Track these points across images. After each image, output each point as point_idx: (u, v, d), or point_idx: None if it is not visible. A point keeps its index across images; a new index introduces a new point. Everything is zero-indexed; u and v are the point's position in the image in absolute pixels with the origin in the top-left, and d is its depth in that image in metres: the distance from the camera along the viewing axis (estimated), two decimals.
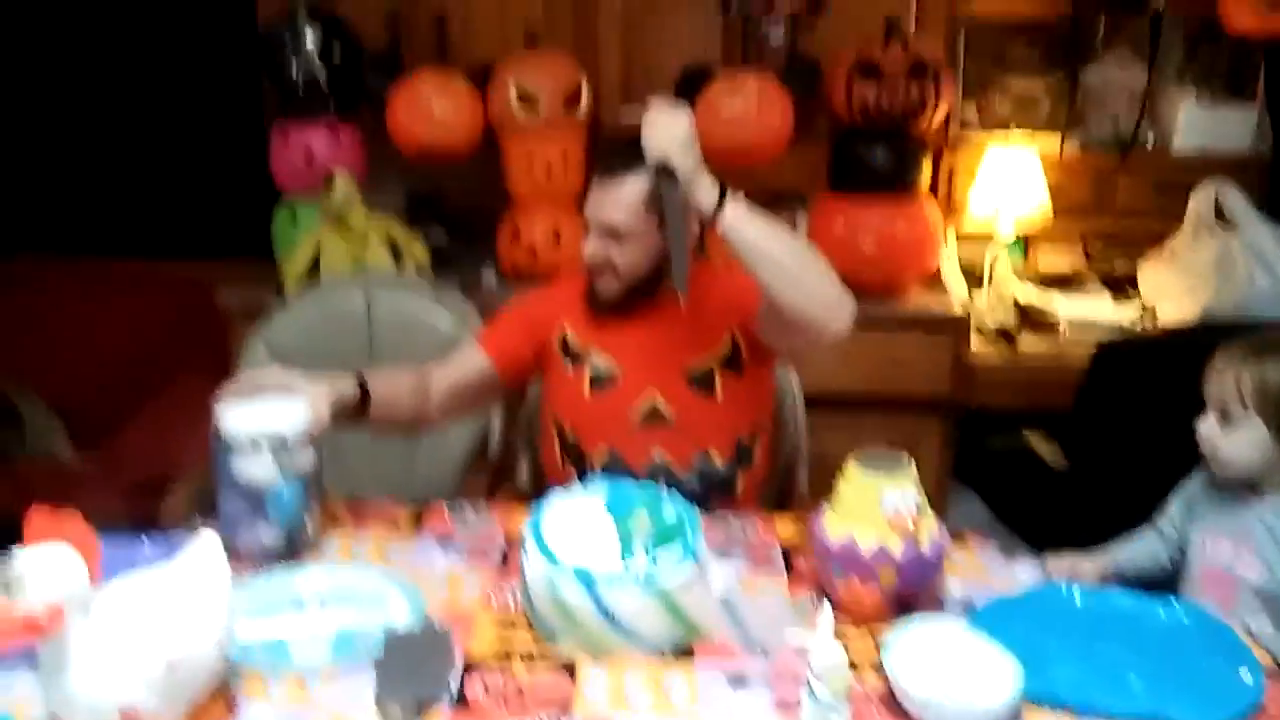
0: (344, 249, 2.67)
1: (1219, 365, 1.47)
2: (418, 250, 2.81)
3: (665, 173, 1.57)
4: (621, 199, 1.69)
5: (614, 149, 1.76)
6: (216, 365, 2.87)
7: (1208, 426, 1.47)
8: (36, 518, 0.98)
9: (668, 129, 1.55)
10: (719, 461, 1.79)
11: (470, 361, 1.86)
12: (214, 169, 3.30)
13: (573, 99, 2.72)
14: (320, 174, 2.69)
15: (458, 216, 3.12)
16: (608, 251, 1.73)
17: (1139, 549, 1.57)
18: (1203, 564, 1.49)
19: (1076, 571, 1.50)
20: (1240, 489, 1.48)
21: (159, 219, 3.35)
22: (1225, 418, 1.45)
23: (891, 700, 1.16)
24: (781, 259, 1.58)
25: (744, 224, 1.57)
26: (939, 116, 2.77)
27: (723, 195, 1.56)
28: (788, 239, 1.61)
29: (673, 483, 1.70)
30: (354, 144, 2.87)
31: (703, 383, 1.78)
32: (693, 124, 1.56)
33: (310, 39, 2.74)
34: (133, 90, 3.31)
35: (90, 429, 2.94)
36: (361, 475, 2.16)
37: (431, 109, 2.71)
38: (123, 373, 3.02)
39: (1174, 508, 1.57)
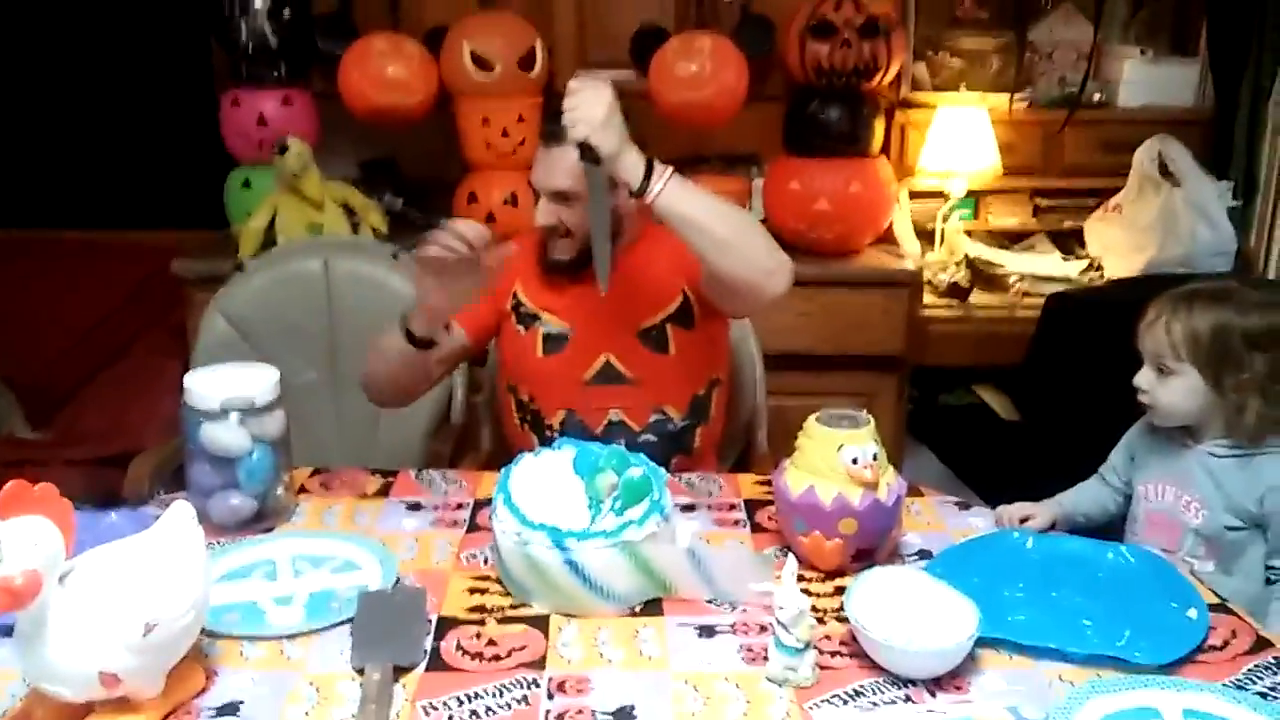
0: (299, 216, 2.65)
1: (1150, 317, 1.51)
2: (374, 216, 2.80)
3: (587, 153, 1.52)
4: (565, 164, 1.67)
5: (553, 114, 1.70)
6: (172, 336, 2.86)
7: (1144, 378, 1.51)
8: (10, 491, 0.98)
9: (588, 108, 1.50)
10: (675, 417, 1.82)
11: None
12: (165, 138, 3.24)
13: (527, 61, 2.71)
14: (273, 140, 2.67)
15: (413, 182, 3.10)
16: (559, 216, 1.73)
17: (1085, 497, 1.62)
18: (1146, 509, 1.55)
19: (1026, 520, 1.55)
20: (1178, 435, 1.54)
21: (111, 190, 3.30)
22: (1160, 368, 1.50)
23: (855, 645, 1.20)
24: (715, 229, 1.57)
25: (673, 199, 1.55)
26: (890, 75, 2.80)
27: (649, 170, 1.54)
28: (720, 208, 1.59)
29: (630, 440, 1.72)
30: (306, 109, 2.85)
31: (655, 339, 1.80)
32: (614, 100, 1.51)
33: (260, 1, 2.70)
34: (81, 60, 3.25)
35: (46, 404, 2.92)
36: (327, 447, 2.16)
37: (384, 72, 2.69)
38: (77, 346, 3.00)
39: (1117, 456, 1.63)
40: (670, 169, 1.56)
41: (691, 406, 1.83)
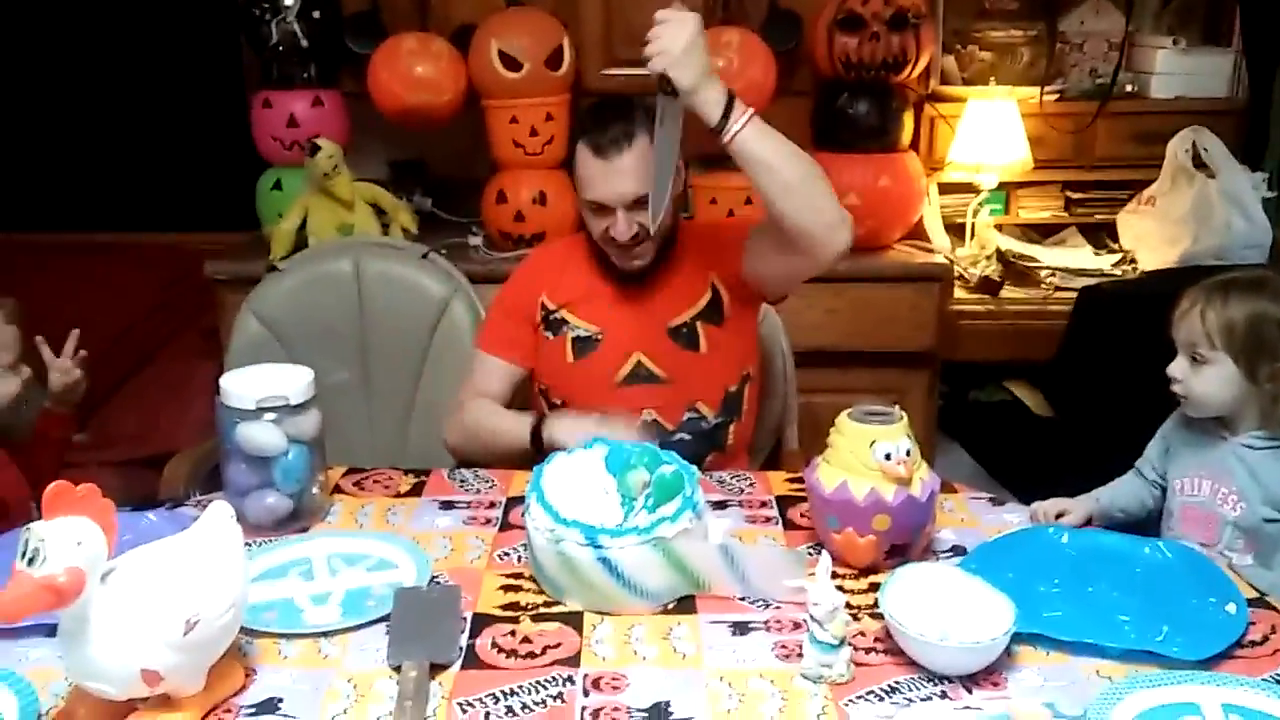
0: (330, 217, 2.67)
1: (1184, 306, 1.50)
2: (405, 216, 2.82)
3: (666, 85, 1.50)
4: (634, 168, 1.66)
5: (594, 124, 1.72)
6: (204, 338, 2.89)
7: (1178, 368, 1.50)
8: (54, 492, 0.99)
9: (669, 39, 1.48)
10: (709, 414, 1.81)
11: (499, 375, 1.88)
12: (196, 140, 3.28)
13: (555, 59, 2.71)
14: (303, 142, 2.69)
15: (442, 182, 3.12)
16: (638, 223, 1.70)
17: (1122, 492, 1.61)
18: (1182, 503, 1.54)
19: (1062, 515, 1.54)
20: (1214, 427, 1.52)
21: (142, 192, 3.34)
22: (1195, 358, 1.48)
23: (890, 642, 1.19)
24: (789, 174, 1.56)
25: (751, 138, 1.53)
26: (920, 68, 2.78)
27: (730, 107, 1.52)
28: (795, 153, 1.58)
29: (664, 439, 1.72)
30: (336, 110, 2.87)
31: (686, 336, 1.80)
32: (699, 33, 1.49)
33: (289, 2, 2.73)
34: (111, 63, 3.28)
35: (80, 406, 2.94)
36: (358, 447, 2.18)
37: (413, 72, 2.70)
38: (111, 349, 3.02)
39: (1153, 450, 1.61)
40: (751, 110, 1.54)
41: (724, 403, 1.83)
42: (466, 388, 1.92)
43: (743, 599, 1.31)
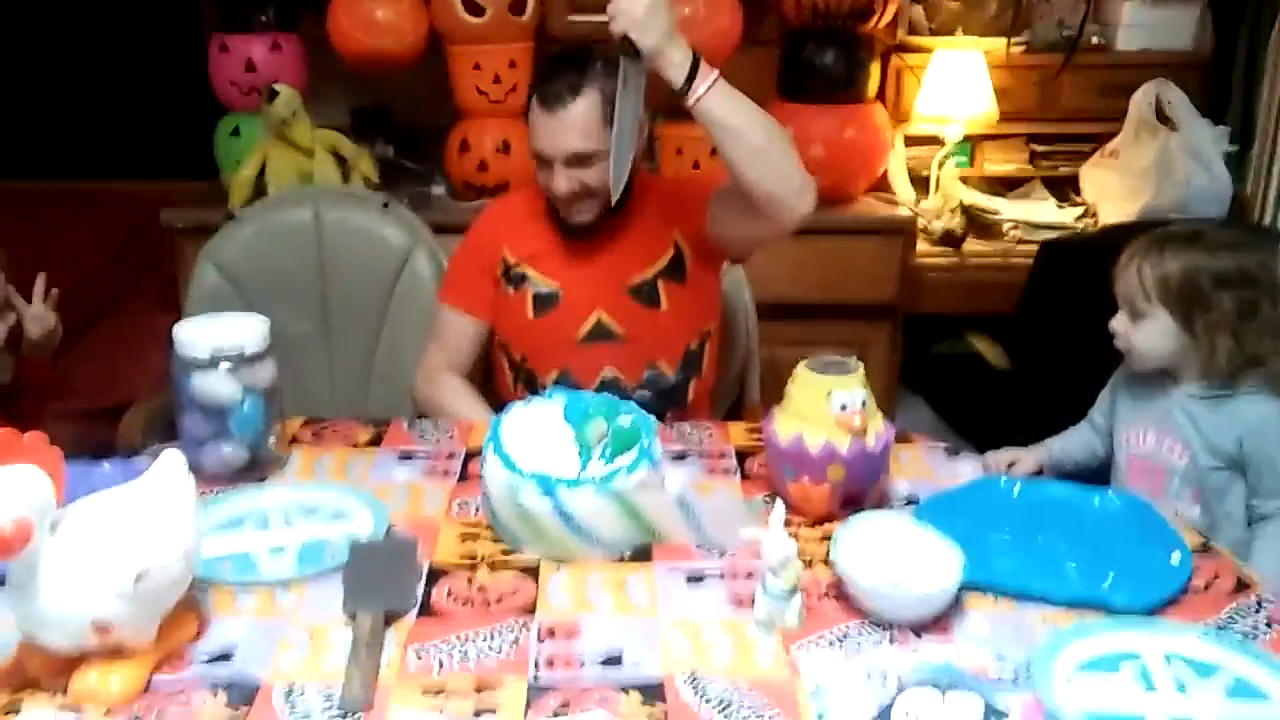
0: (289, 164, 2.63)
1: (1122, 262, 1.52)
2: (365, 164, 2.78)
3: (628, 48, 1.48)
4: (578, 123, 1.64)
5: (545, 74, 1.70)
6: (163, 288, 2.85)
7: (1119, 322, 1.53)
8: (0, 440, 0.98)
9: (635, 3, 1.45)
10: (668, 371, 1.82)
11: (463, 330, 1.88)
12: (152, 86, 3.21)
13: (519, 4, 2.68)
14: (262, 87, 2.64)
15: (404, 130, 3.08)
16: (579, 180, 1.68)
17: (1073, 441, 1.64)
18: (1129, 454, 1.57)
19: (1014, 465, 1.56)
20: (1158, 380, 1.55)
21: (97, 139, 3.28)
22: (1133, 311, 1.51)
23: (842, 591, 1.21)
24: (754, 137, 1.55)
25: (716, 101, 1.52)
26: (887, 18, 2.76)
27: (694, 69, 1.50)
28: (760, 116, 1.57)
29: (624, 396, 1.72)
30: (296, 55, 2.82)
31: (647, 294, 1.79)
32: None
33: None
34: (64, 7, 3.20)
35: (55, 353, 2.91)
36: (319, 398, 2.17)
37: (374, 16, 2.66)
38: (67, 299, 2.97)
39: (1102, 400, 1.64)
40: (716, 72, 1.52)
41: (684, 360, 1.83)
42: (432, 344, 1.91)
43: (698, 547, 1.32)
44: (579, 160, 1.67)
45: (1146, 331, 1.51)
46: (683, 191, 1.86)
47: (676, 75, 1.50)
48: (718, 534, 1.32)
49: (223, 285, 2.19)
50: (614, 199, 1.62)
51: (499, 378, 1.92)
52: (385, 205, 2.26)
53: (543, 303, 1.80)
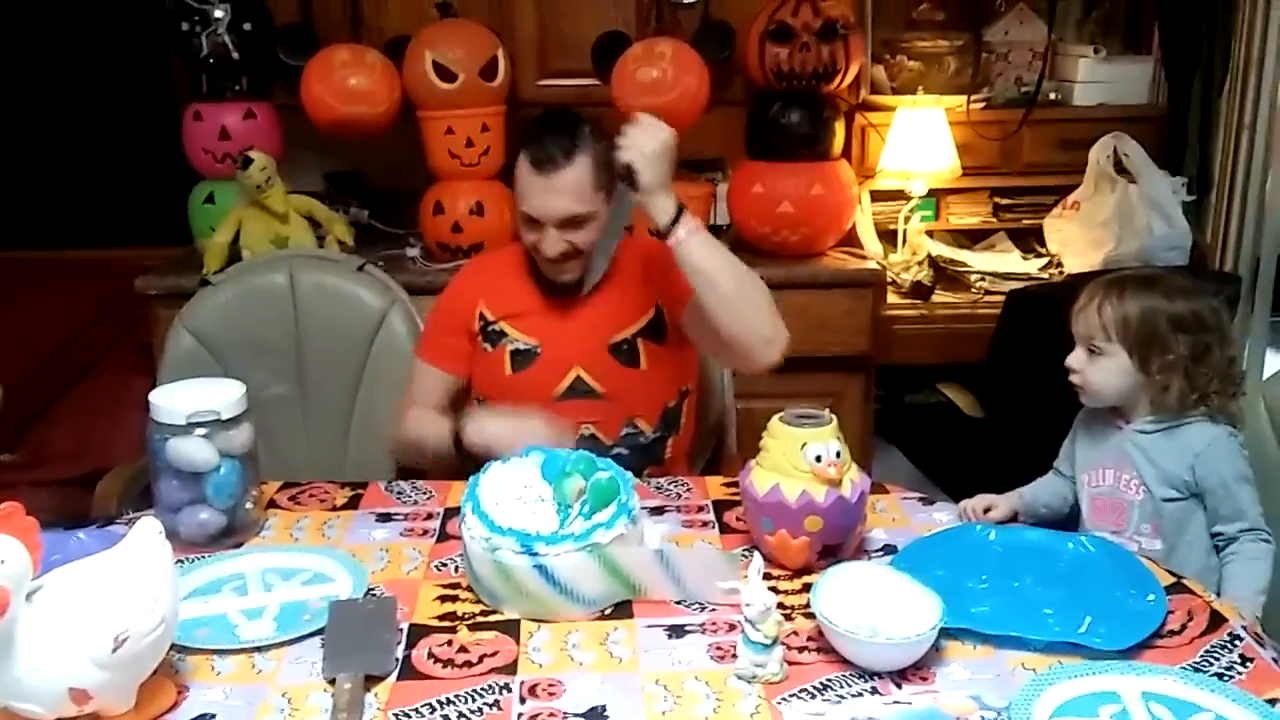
0: (264, 230, 2.65)
1: (1082, 302, 1.57)
2: (340, 228, 2.80)
3: (628, 177, 1.60)
4: (571, 186, 1.68)
5: (537, 136, 1.72)
6: (138, 354, 2.85)
7: (1076, 359, 1.57)
8: None
9: (644, 137, 1.58)
10: (646, 429, 1.83)
11: (437, 384, 1.88)
12: (127, 154, 3.23)
13: (489, 70, 2.72)
14: (236, 154, 2.66)
15: (379, 193, 3.11)
16: (569, 241, 1.71)
17: (1043, 488, 1.66)
18: (1091, 495, 1.60)
19: (989, 510, 1.58)
20: (1110, 418, 1.59)
21: (73, 207, 3.28)
22: (1091, 350, 1.55)
23: (823, 640, 1.22)
24: (726, 288, 1.64)
25: (695, 247, 1.62)
26: (850, 78, 2.83)
27: (678, 216, 1.61)
28: (737, 268, 1.66)
29: (602, 453, 1.73)
30: (269, 122, 2.84)
31: (626, 353, 1.81)
32: (670, 143, 1.60)
33: (220, 14, 2.70)
34: (40, 77, 3.23)
35: (12, 425, 2.88)
36: (296, 461, 2.16)
37: (347, 83, 2.69)
38: (43, 366, 2.97)
39: (1066, 448, 1.67)
40: (698, 222, 1.63)
41: (663, 418, 1.85)
42: (407, 397, 1.92)
43: (679, 602, 1.33)
44: (571, 223, 1.70)
45: (1103, 369, 1.54)
46: (669, 261, 1.88)
47: (661, 219, 1.62)
48: (698, 587, 1.32)
49: (198, 350, 2.19)
50: (585, 289, 1.73)
51: None
52: (360, 268, 2.27)
53: (521, 359, 1.82)
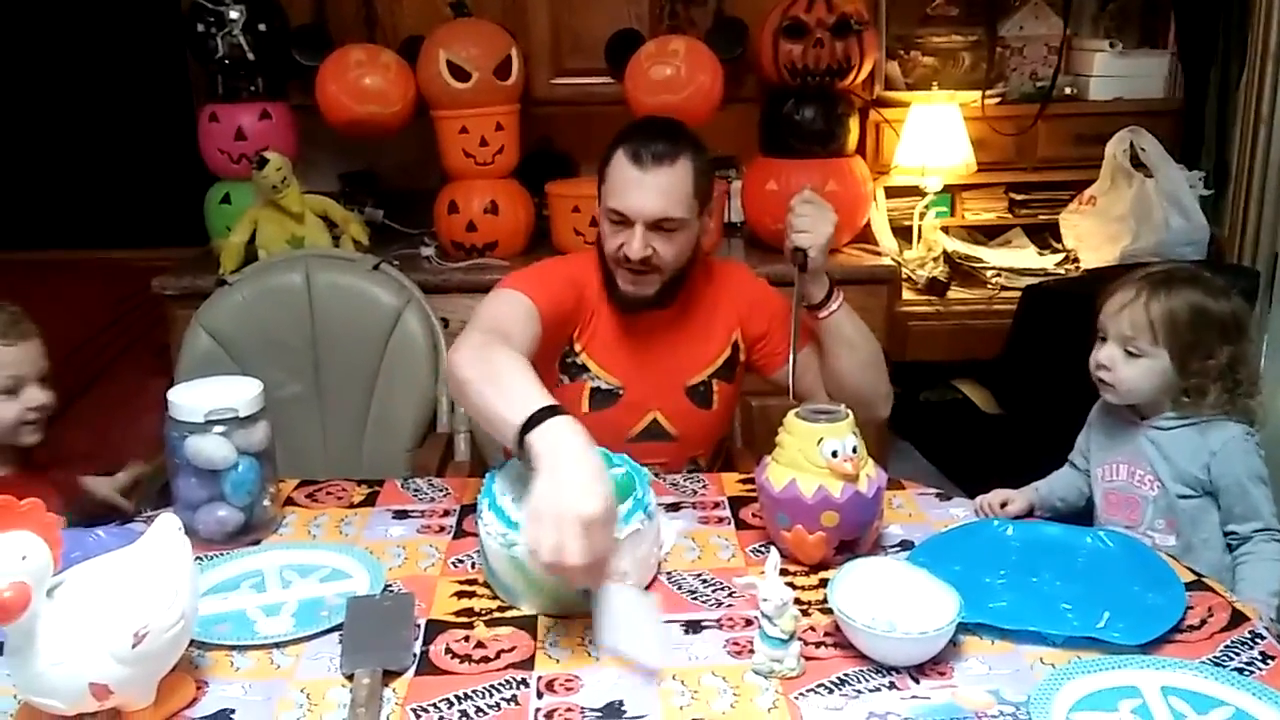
0: (280, 229, 2.66)
1: (1124, 298, 1.52)
2: (355, 228, 2.81)
3: (800, 260, 1.64)
4: (668, 187, 1.61)
5: (639, 133, 1.64)
6: (155, 354, 2.87)
7: (1109, 356, 1.53)
8: None
9: (823, 225, 1.63)
10: (703, 463, 1.85)
11: (526, 314, 1.60)
12: (143, 155, 3.25)
13: (503, 69, 2.73)
14: (252, 155, 2.67)
15: (393, 192, 3.12)
16: (654, 247, 1.64)
17: (1059, 482, 1.65)
18: (1105, 490, 1.58)
19: (1006, 505, 1.57)
20: (1126, 413, 1.57)
21: (91, 209, 3.31)
22: (1130, 349, 1.51)
23: (839, 636, 1.21)
24: (865, 353, 1.73)
25: (843, 319, 1.71)
26: (864, 74, 2.83)
27: (831, 290, 1.69)
28: (869, 337, 1.76)
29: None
30: (285, 123, 2.85)
31: (701, 395, 1.81)
32: (836, 224, 1.66)
33: (235, 15, 2.71)
34: (57, 79, 3.25)
35: None
36: (312, 459, 2.17)
37: (361, 83, 2.70)
38: (61, 366, 2.97)
39: (1081, 440, 1.65)
40: (842, 295, 1.72)
41: (716, 449, 1.88)
42: (472, 327, 1.54)
43: (694, 597, 1.32)
44: (659, 227, 1.63)
45: (1139, 369, 1.50)
46: (755, 294, 1.85)
47: (818, 294, 1.69)
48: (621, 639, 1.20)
49: (215, 349, 2.20)
50: (790, 394, 1.73)
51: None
52: (376, 267, 2.28)
53: (601, 398, 1.76)
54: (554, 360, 1.75)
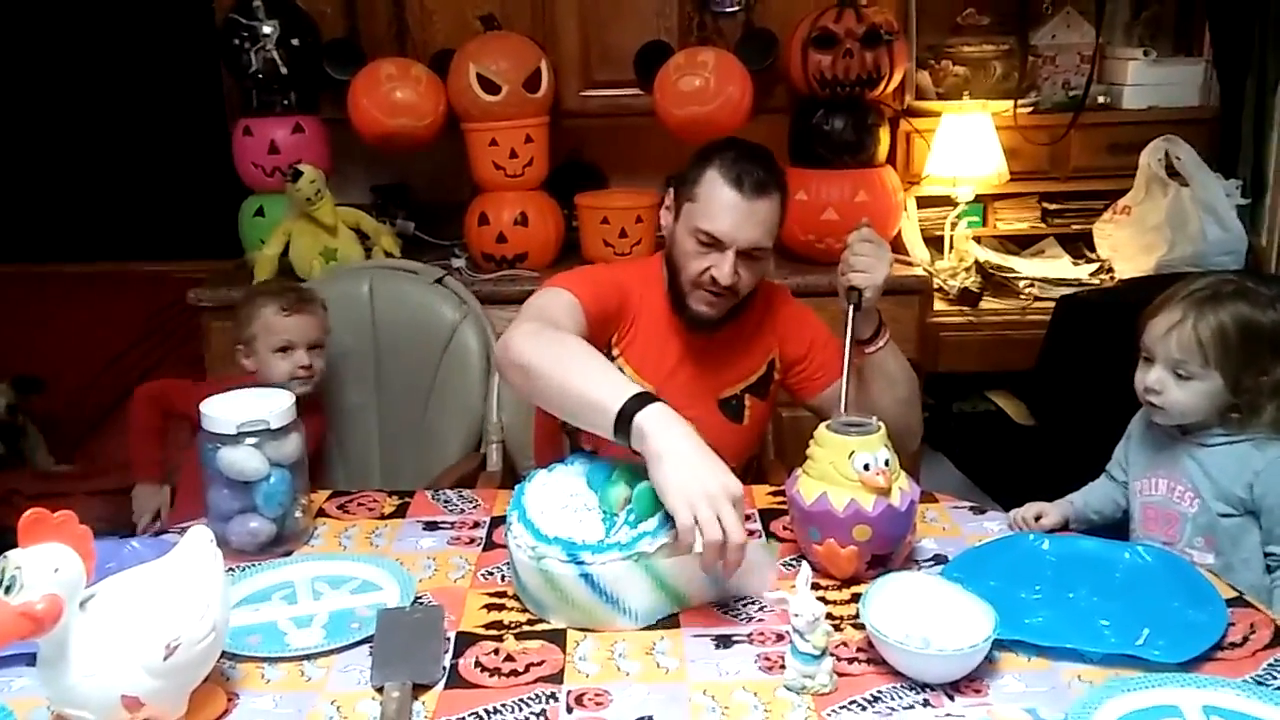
0: (313, 242, 2.68)
1: (1169, 319, 1.46)
2: (387, 240, 2.83)
3: (855, 299, 1.64)
4: (768, 217, 1.64)
5: (737, 157, 1.63)
6: (190, 366, 2.89)
7: (1157, 379, 1.47)
8: (31, 519, 0.99)
9: (880, 266, 1.63)
10: None
11: (573, 311, 1.61)
12: (178, 169, 3.29)
13: (533, 81, 2.73)
14: (285, 168, 2.70)
15: (424, 205, 3.14)
16: (741, 273, 1.64)
17: (1095, 495, 1.62)
18: (1143, 503, 1.55)
19: (1041, 518, 1.54)
20: (1170, 428, 1.53)
21: (126, 222, 3.34)
22: (1180, 373, 1.46)
23: (872, 651, 1.20)
24: (905, 389, 1.76)
25: (889, 355, 1.73)
26: (894, 84, 2.81)
27: (879, 326, 1.71)
28: (910, 374, 1.78)
29: None
30: (317, 136, 2.88)
31: (734, 409, 1.80)
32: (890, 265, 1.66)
33: (268, 30, 2.74)
34: (92, 93, 3.29)
35: (68, 436, 2.95)
36: (370, 468, 2.20)
37: (393, 96, 2.71)
38: (98, 378, 3.03)
39: (1120, 452, 1.62)
40: (888, 332, 1.74)
41: (746, 466, 1.86)
42: (522, 318, 1.56)
43: (725, 612, 1.31)
44: (750, 254, 1.64)
45: (1191, 392, 1.46)
46: (797, 318, 1.85)
47: (867, 330, 1.70)
48: (743, 584, 1.30)
49: None
50: (844, 416, 1.53)
51: (553, 456, 1.87)
52: (439, 280, 2.30)
53: None
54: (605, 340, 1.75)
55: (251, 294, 2.12)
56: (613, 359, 1.75)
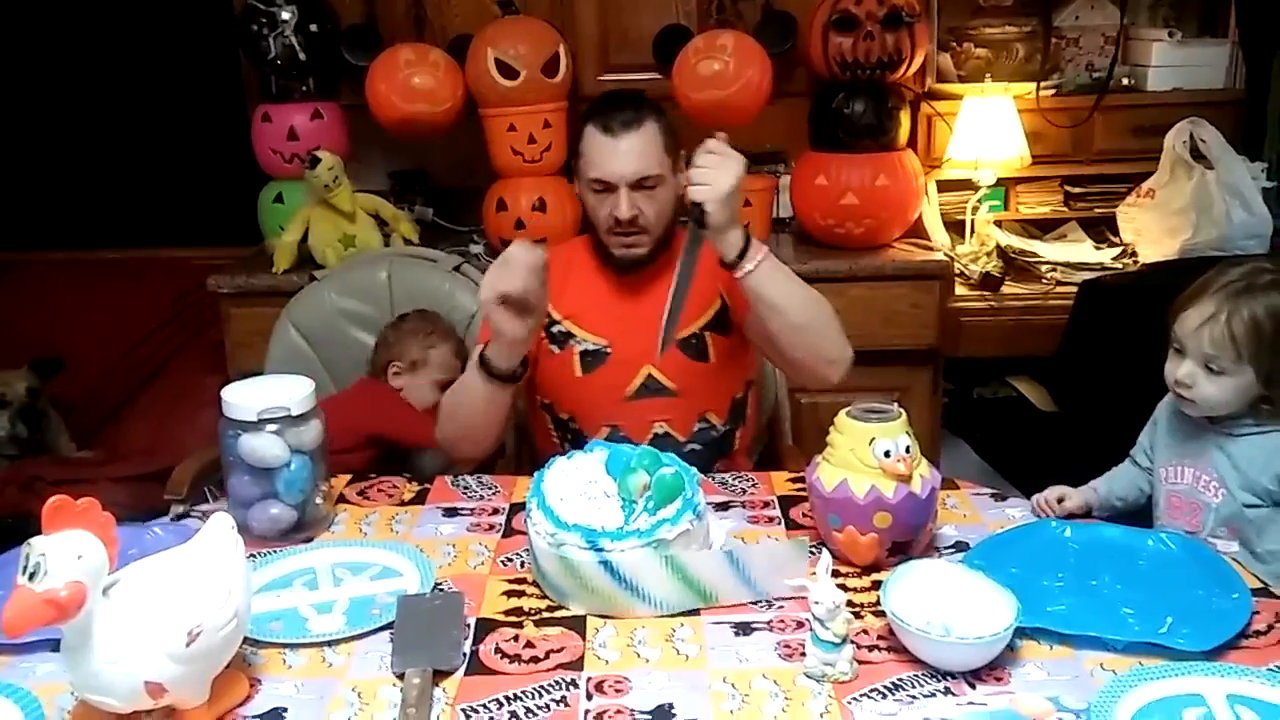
0: (331, 228, 2.69)
1: (1199, 315, 1.43)
2: (405, 226, 2.83)
3: (699, 215, 1.56)
4: (642, 148, 1.69)
5: (604, 105, 1.75)
6: (210, 352, 2.91)
7: (1188, 373, 1.44)
8: (54, 506, 1.00)
9: (720, 176, 1.53)
10: (718, 422, 1.82)
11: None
12: (197, 155, 3.30)
13: (551, 66, 2.72)
14: (303, 154, 2.70)
15: (443, 191, 3.14)
16: (640, 206, 1.71)
17: (1118, 481, 1.60)
18: (1167, 491, 1.53)
19: (1062, 505, 1.53)
20: (1198, 419, 1.50)
21: (145, 208, 3.36)
22: (1213, 368, 1.43)
23: (893, 639, 1.19)
24: (795, 315, 1.63)
25: (763, 280, 1.60)
26: (915, 67, 2.78)
27: (745, 248, 1.58)
28: (803, 294, 1.64)
29: (676, 450, 1.70)
30: (336, 122, 2.88)
31: (695, 347, 1.79)
32: (742, 177, 1.55)
33: (287, 16, 2.74)
34: (111, 79, 3.31)
35: (89, 422, 2.97)
36: None
37: (411, 82, 2.71)
38: (118, 365, 3.05)
39: (1145, 437, 1.60)
40: (765, 250, 1.59)
41: (731, 410, 1.83)
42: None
43: (754, 603, 1.31)
44: (642, 184, 1.71)
45: (1223, 387, 1.43)
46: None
47: (730, 252, 1.58)
48: (764, 579, 1.31)
49: (301, 345, 2.25)
50: (659, 353, 1.64)
51: (541, 437, 1.91)
52: (458, 268, 2.30)
53: (591, 359, 1.80)
54: (540, 336, 1.81)
55: (431, 327, 2.12)
56: (559, 324, 1.81)
